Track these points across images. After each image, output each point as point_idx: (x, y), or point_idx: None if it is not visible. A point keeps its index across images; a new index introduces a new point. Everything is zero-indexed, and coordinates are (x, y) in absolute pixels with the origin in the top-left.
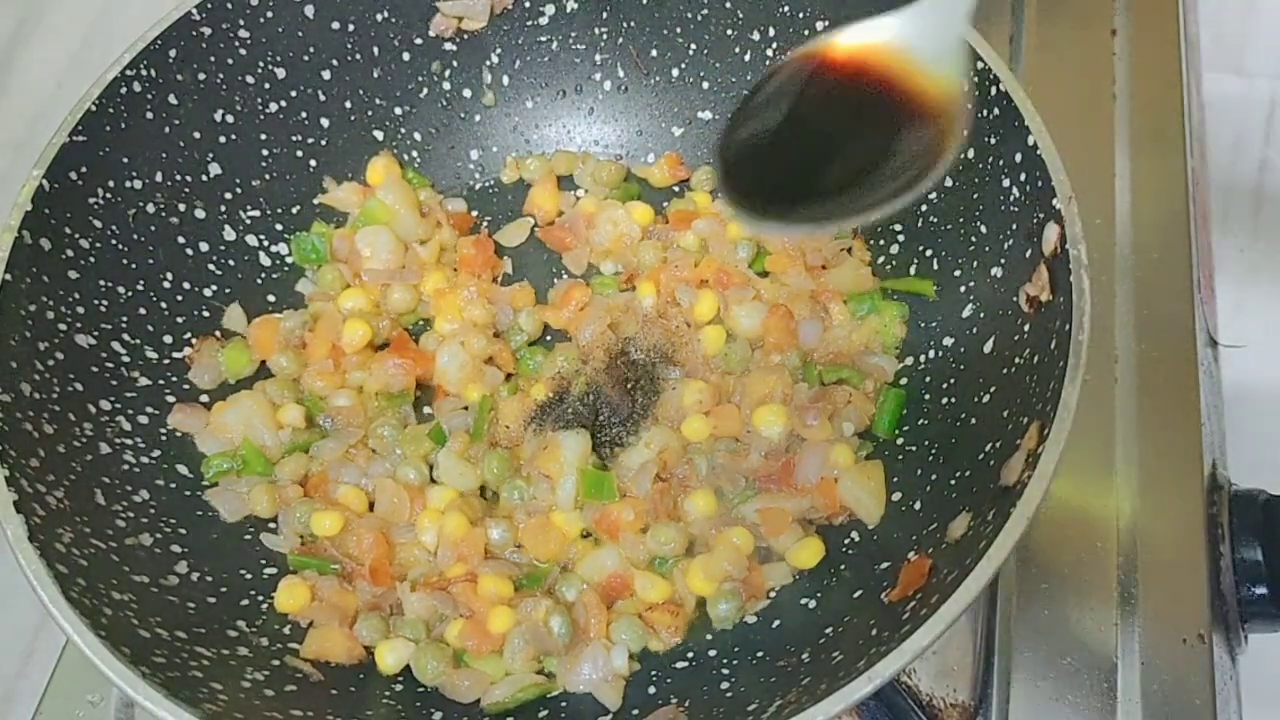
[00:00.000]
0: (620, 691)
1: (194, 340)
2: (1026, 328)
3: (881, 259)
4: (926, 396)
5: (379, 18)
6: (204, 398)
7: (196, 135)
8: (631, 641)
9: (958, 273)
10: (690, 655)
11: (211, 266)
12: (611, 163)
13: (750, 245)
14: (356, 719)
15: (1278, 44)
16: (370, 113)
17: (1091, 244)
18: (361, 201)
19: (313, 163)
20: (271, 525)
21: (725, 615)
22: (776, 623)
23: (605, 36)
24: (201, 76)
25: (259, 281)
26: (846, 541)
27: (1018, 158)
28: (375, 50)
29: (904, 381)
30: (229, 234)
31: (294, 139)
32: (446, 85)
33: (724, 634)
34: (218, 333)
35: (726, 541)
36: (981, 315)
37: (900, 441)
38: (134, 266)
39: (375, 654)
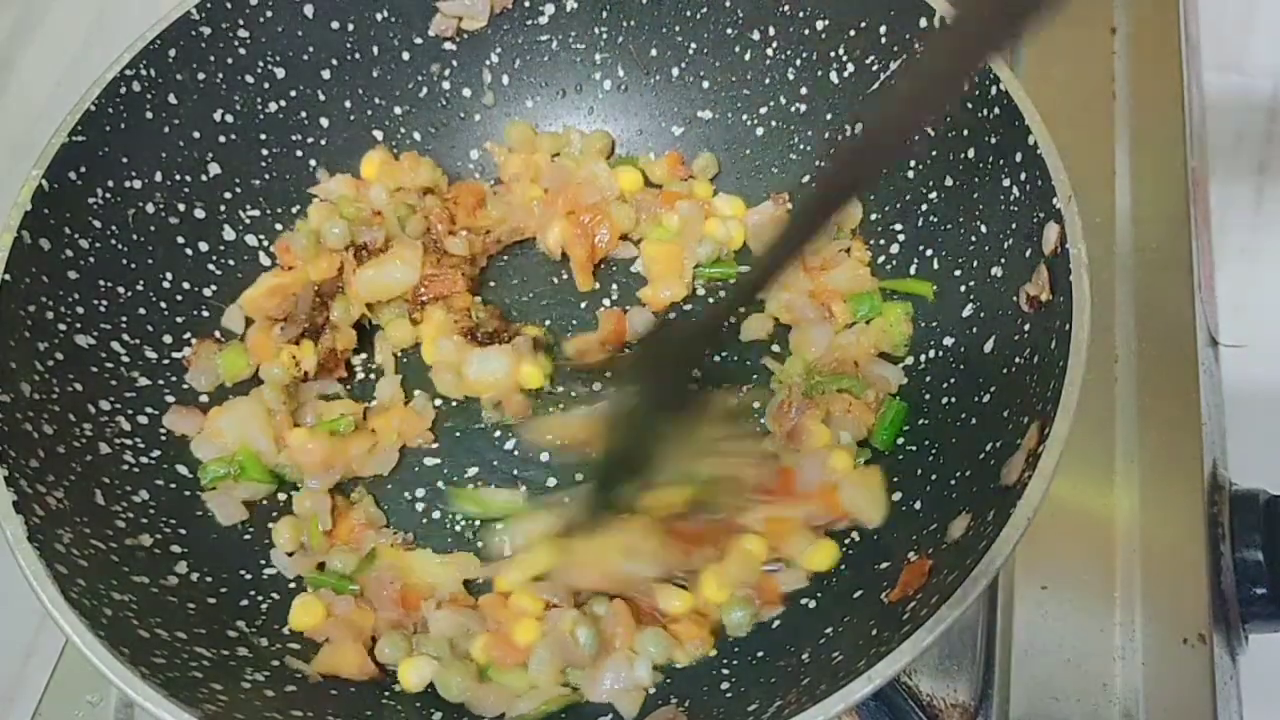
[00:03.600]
0: (640, 703)
1: (193, 340)
2: (1026, 327)
3: (882, 259)
4: (926, 396)
5: (378, 17)
6: (203, 398)
7: (196, 135)
8: (657, 654)
9: (958, 272)
10: None
11: (211, 266)
12: (599, 133)
13: (712, 244)
14: None
15: (1278, 44)
16: (370, 112)
17: (1091, 244)
18: (354, 195)
19: (312, 162)
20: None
21: (739, 622)
22: (776, 623)
23: (605, 36)
24: (201, 76)
25: None
26: (846, 542)
27: (1018, 157)
28: (375, 50)
29: (908, 389)
30: (229, 234)
31: (293, 138)
32: (446, 85)
33: (724, 634)
34: (218, 333)
35: (739, 549)
36: (981, 315)
37: (900, 441)
38: (133, 266)
39: (398, 672)
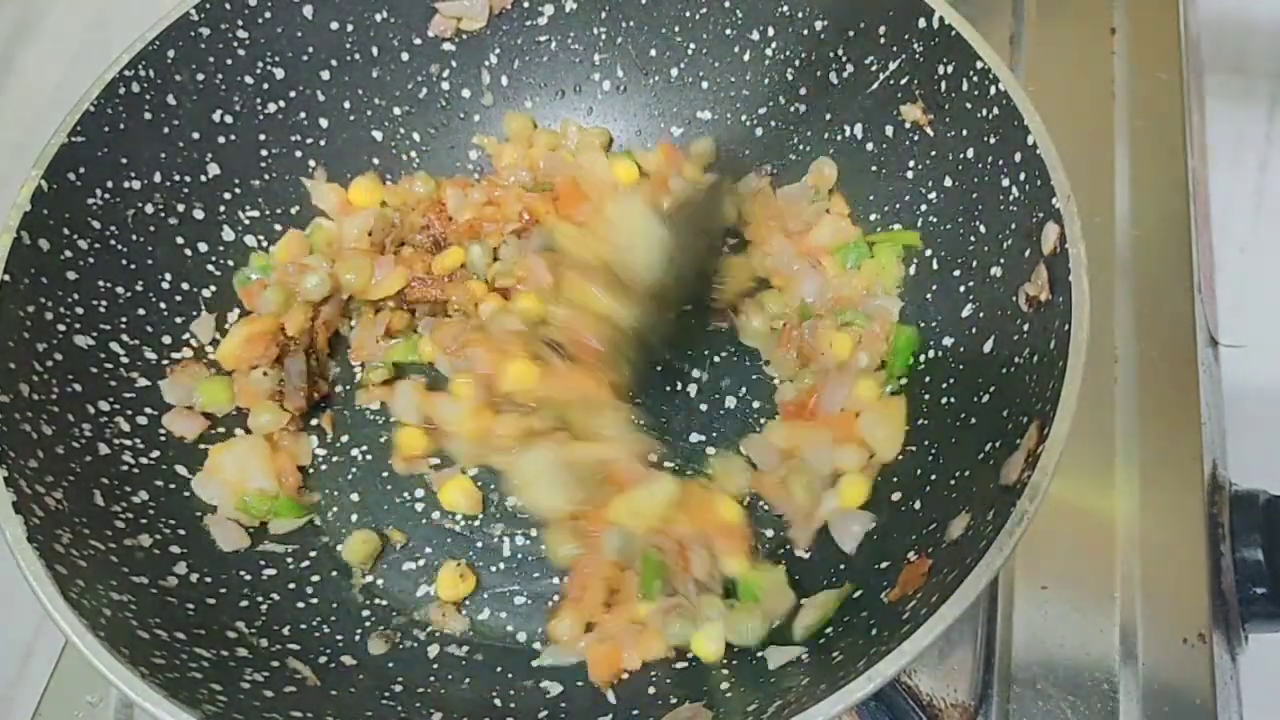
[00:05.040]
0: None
1: (193, 342)
2: (1026, 327)
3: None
4: (926, 396)
5: (378, 18)
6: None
7: (195, 136)
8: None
9: (957, 272)
10: (690, 655)
11: (210, 267)
12: (596, 129)
13: None
14: None
15: (1278, 44)
16: (369, 113)
17: (1091, 244)
18: (341, 207)
19: (311, 163)
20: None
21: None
22: (776, 622)
23: (604, 36)
24: (200, 77)
25: None
26: None
27: (1017, 157)
28: (374, 50)
29: (920, 325)
30: (228, 234)
31: (293, 139)
32: (445, 85)
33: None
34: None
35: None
36: (981, 315)
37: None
38: (133, 267)
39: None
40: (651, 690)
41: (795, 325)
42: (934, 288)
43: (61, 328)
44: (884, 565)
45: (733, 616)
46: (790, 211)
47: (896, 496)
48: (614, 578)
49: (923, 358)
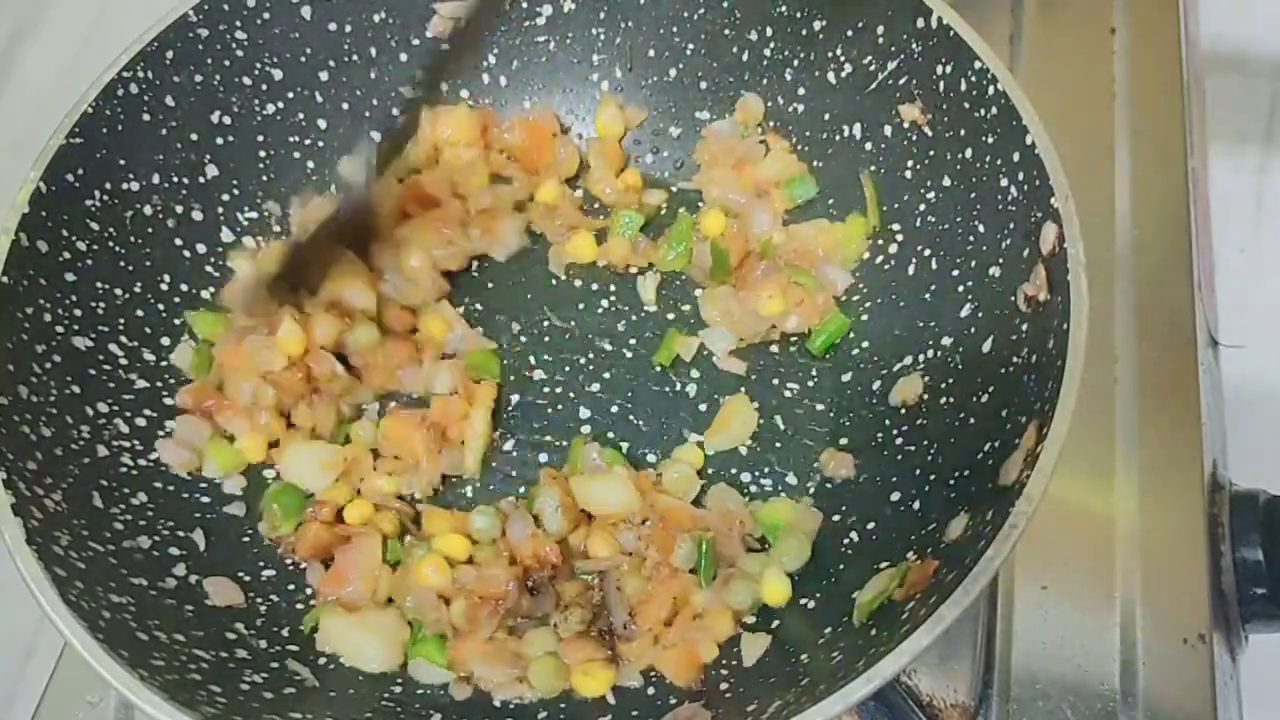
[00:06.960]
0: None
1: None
2: (1025, 327)
3: (880, 259)
4: (925, 396)
5: (376, 19)
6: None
7: (194, 137)
8: None
9: (955, 272)
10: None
11: (209, 268)
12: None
13: None
14: None
15: (1278, 44)
16: (368, 114)
17: (1091, 243)
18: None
19: (310, 164)
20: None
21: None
22: (775, 623)
23: (603, 36)
24: (198, 78)
25: None
26: (846, 541)
27: (1015, 157)
28: (373, 51)
29: (863, 317)
30: (226, 235)
31: (291, 140)
32: (444, 86)
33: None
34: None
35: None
36: (980, 315)
37: (899, 442)
38: (131, 269)
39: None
40: (651, 691)
41: (755, 259)
42: (933, 287)
43: (60, 329)
44: (883, 565)
45: (776, 553)
46: (724, 147)
47: (895, 496)
48: (679, 587)
49: (921, 358)
